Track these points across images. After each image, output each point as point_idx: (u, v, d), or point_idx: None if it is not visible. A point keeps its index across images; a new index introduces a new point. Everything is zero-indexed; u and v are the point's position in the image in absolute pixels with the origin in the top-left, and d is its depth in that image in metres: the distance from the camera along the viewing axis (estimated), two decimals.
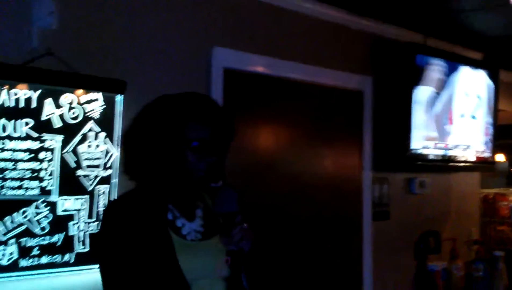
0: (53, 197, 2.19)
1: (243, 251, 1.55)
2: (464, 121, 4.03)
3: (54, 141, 2.19)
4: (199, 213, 1.67)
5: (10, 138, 2.08)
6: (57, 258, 2.20)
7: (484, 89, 4.19)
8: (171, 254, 1.53)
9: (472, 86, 4.09)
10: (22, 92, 2.10)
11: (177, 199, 1.64)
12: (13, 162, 2.09)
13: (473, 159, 4.13)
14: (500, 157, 5.70)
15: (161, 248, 1.53)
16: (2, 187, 2.07)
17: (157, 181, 1.61)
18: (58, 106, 2.19)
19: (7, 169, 2.08)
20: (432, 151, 3.76)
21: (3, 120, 2.07)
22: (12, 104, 2.08)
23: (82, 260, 2.25)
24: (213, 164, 1.58)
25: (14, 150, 2.09)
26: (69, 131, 2.23)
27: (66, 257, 2.22)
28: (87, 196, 2.28)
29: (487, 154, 4.27)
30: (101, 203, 2.31)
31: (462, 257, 4.11)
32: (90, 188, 2.29)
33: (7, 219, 2.08)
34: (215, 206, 1.60)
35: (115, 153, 2.35)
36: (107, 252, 1.54)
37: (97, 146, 2.30)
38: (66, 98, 2.22)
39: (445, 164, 3.95)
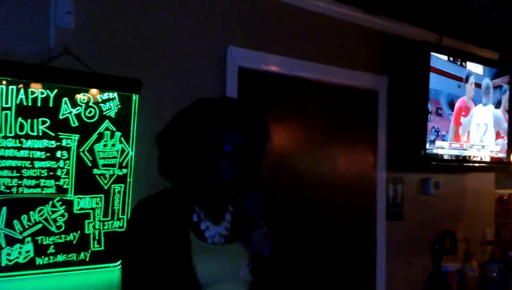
0: (69, 196, 2.21)
1: (262, 255, 1.56)
2: (479, 120, 4.00)
3: (71, 140, 2.20)
4: (228, 217, 1.69)
5: (27, 137, 2.10)
6: (73, 256, 2.21)
7: (500, 89, 4.16)
8: (186, 256, 1.55)
9: (489, 85, 4.06)
10: (39, 91, 2.12)
11: (206, 202, 1.66)
12: (30, 161, 2.11)
13: (488, 159, 4.10)
14: None
15: (177, 250, 1.55)
16: (19, 185, 2.09)
17: (189, 182, 1.63)
18: (74, 105, 2.21)
19: (24, 168, 2.10)
20: (447, 151, 3.73)
21: (20, 119, 2.08)
22: (29, 103, 2.09)
23: (97, 258, 2.26)
24: (243, 170, 1.59)
25: (31, 149, 2.11)
26: (85, 130, 2.24)
27: (82, 255, 2.23)
28: (102, 195, 2.29)
29: (502, 155, 4.24)
30: (117, 201, 2.32)
31: (477, 258, 4.07)
32: (106, 187, 2.30)
33: (24, 217, 2.10)
34: (243, 210, 1.60)
35: (131, 152, 2.36)
36: (128, 250, 1.59)
37: (113, 145, 2.31)
38: (82, 97, 2.23)
39: (460, 165, 3.91)
